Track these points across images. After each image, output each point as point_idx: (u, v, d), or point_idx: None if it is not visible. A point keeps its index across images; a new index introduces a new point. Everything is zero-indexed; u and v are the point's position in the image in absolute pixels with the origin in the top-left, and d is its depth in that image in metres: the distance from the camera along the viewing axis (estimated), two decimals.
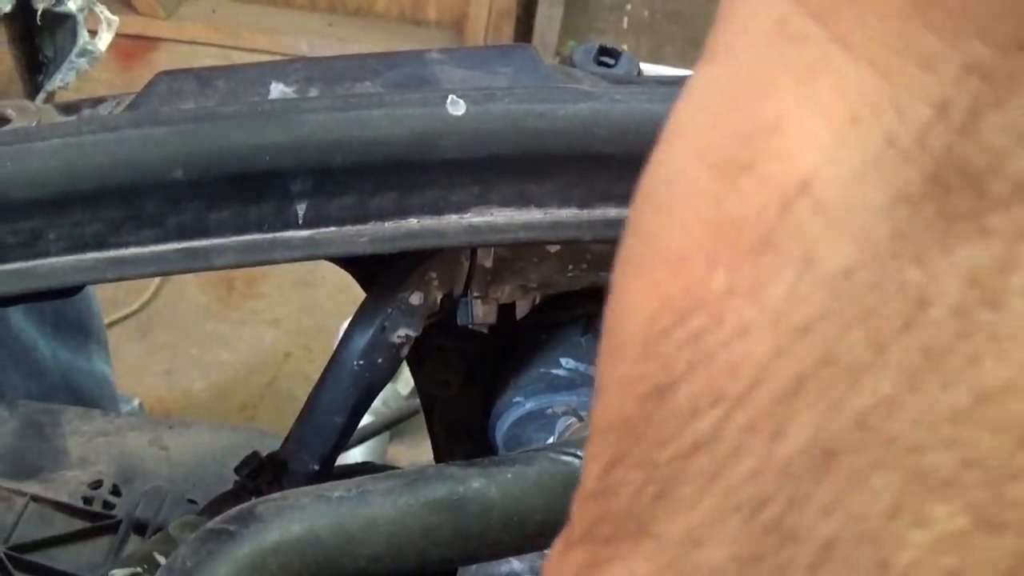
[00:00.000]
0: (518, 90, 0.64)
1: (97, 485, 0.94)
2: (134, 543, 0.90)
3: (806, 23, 0.19)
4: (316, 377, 0.73)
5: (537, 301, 0.78)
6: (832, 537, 0.19)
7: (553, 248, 0.73)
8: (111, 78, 2.67)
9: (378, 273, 0.71)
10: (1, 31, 1.04)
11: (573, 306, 0.79)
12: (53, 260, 0.58)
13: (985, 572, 0.18)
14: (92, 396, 1.53)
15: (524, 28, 3.04)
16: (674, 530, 0.20)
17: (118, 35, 1.08)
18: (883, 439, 0.18)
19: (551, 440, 0.72)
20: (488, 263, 0.72)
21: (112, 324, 2.13)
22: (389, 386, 0.72)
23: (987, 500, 0.18)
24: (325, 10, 3.19)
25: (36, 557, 0.88)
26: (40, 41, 1.06)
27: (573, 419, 0.73)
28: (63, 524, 0.91)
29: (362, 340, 0.70)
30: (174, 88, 0.64)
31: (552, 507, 0.58)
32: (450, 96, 0.62)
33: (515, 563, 0.71)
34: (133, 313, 2.26)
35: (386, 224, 0.62)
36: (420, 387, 0.83)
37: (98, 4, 1.06)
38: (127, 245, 0.59)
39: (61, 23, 1.04)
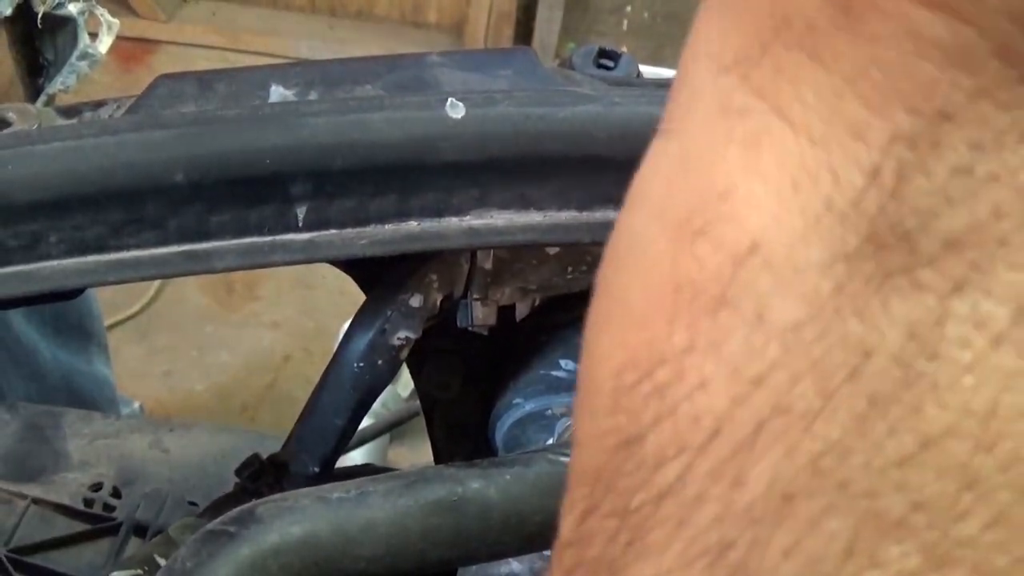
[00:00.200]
0: (518, 93, 0.64)
1: (98, 487, 0.94)
2: (134, 545, 0.90)
3: (748, 98, 0.20)
4: (316, 379, 0.73)
5: (537, 303, 0.78)
6: None
7: (552, 250, 0.73)
8: (111, 81, 2.67)
9: (378, 275, 0.71)
10: (1, 34, 1.04)
11: (572, 308, 0.79)
12: (54, 263, 0.58)
13: None
14: (92, 398, 1.54)
15: (524, 30, 3.04)
16: (645, 575, 0.21)
17: (118, 38, 1.08)
18: (836, 483, 0.19)
19: (551, 441, 0.72)
20: (488, 265, 0.72)
21: (112, 326, 2.13)
22: (389, 388, 0.72)
23: (937, 540, 0.19)
24: (325, 12, 3.20)
25: (37, 559, 0.88)
26: (40, 44, 1.06)
27: (572, 420, 0.73)
28: (64, 526, 0.91)
29: (362, 342, 0.70)
30: (175, 91, 0.64)
31: (551, 508, 0.58)
32: (450, 99, 0.62)
33: (514, 564, 0.71)
34: (133, 315, 2.26)
35: (386, 227, 0.62)
36: (420, 389, 0.83)
37: (98, 7, 1.06)
38: (128, 248, 0.59)
39: (61, 26, 1.04)
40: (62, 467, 0.97)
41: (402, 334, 0.70)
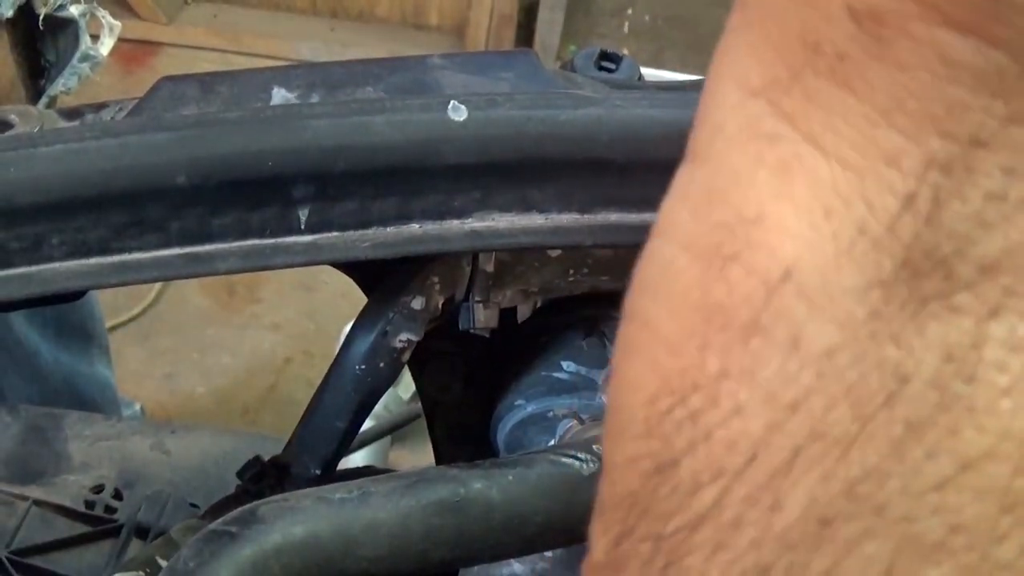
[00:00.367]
0: (519, 95, 0.64)
1: (99, 489, 0.94)
2: (136, 547, 0.90)
3: (778, 124, 0.20)
4: (317, 381, 0.73)
5: (538, 305, 0.78)
6: None
7: (554, 253, 0.73)
8: (113, 83, 2.67)
9: (380, 278, 0.71)
10: (3, 36, 1.04)
11: (574, 310, 0.79)
12: (56, 265, 0.59)
13: None
14: (94, 400, 1.54)
15: (525, 33, 3.04)
16: None
17: (120, 40, 1.09)
18: (873, 507, 0.19)
19: (552, 443, 0.72)
20: (489, 268, 0.72)
21: (114, 328, 2.13)
22: (390, 390, 0.72)
23: (975, 562, 0.19)
24: (327, 15, 3.20)
25: (38, 561, 0.88)
26: (42, 46, 1.06)
27: (574, 422, 0.73)
28: (65, 528, 0.91)
29: (364, 344, 0.70)
30: (176, 93, 0.64)
31: (553, 509, 0.58)
32: (452, 102, 0.62)
33: (516, 565, 0.71)
34: (134, 318, 2.27)
35: (388, 229, 0.63)
36: (422, 391, 0.83)
37: (100, 9, 1.06)
38: (130, 250, 0.59)
39: (63, 28, 1.04)
40: (63, 469, 0.97)
41: (404, 336, 0.70)
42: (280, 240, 0.61)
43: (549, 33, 2.97)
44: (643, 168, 0.63)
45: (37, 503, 0.92)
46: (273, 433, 1.17)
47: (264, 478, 0.72)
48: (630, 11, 3.05)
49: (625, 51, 0.76)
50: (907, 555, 0.19)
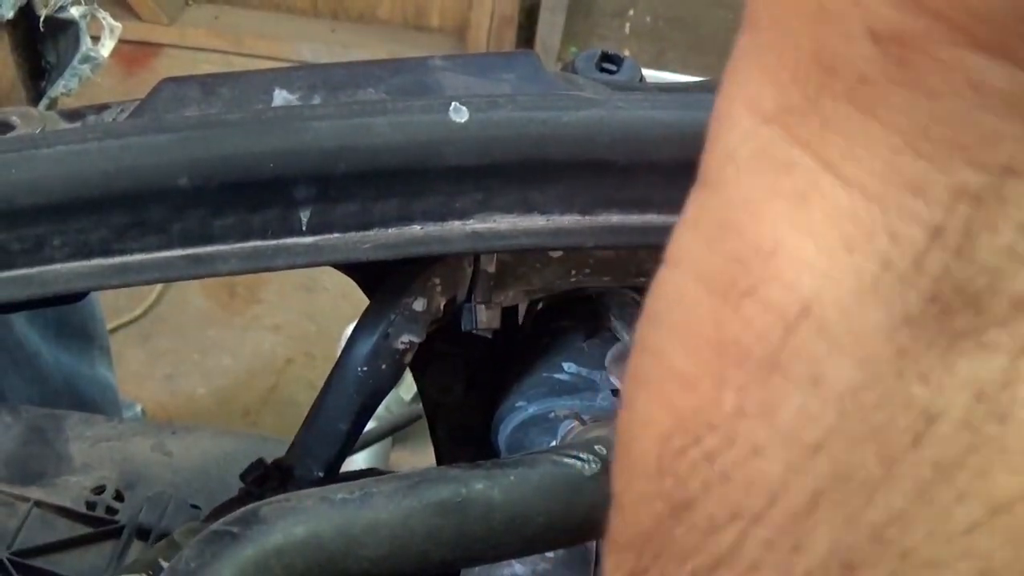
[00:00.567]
0: (521, 97, 0.64)
1: (100, 490, 0.94)
2: (137, 549, 0.90)
3: (793, 151, 0.19)
4: (318, 383, 0.73)
5: (540, 306, 0.78)
6: None
7: (556, 254, 0.73)
8: (114, 84, 2.67)
9: (381, 279, 0.72)
10: (3, 37, 1.04)
11: (575, 311, 0.79)
12: (57, 266, 0.59)
13: None
14: (95, 401, 1.54)
15: (526, 34, 3.04)
16: None
17: (121, 41, 1.09)
18: (899, 552, 0.19)
19: (553, 444, 0.72)
20: (491, 269, 0.72)
21: (115, 330, 2.13)
22: (392, 391, 0.72)
23: None
24: (328, 16, 3.20)
25: (39, 562, 0.88)
26: (43, 47, 1.06)
27: (575, 423, 0.73)
28: (66, 529, 0.91)
29: (366, 346, 0.70)
30: (178, 95, 0.64)
31: (554, 510, 0.58)
32: (453, 103, 0.62)
33: (517, 565, 0.71)
34: (135, 319, 2.27)
35: (389, 230, 0.63)
36: (423, 392, 0.83)
37: (100, 10, 1.06)
38: (131, 252, 0.59)
39: (63, 29, 1.04)
40: (64, 470, 0.97)
41: (405, 338, 0.70)
42: (281, 241, 0.61)
43: (550, 34, 2.97)
44: (644, 170, 0.63)
45: (38, 504, 0.92)
46: (273, 434, 1.17)
47: (267, 480, 0.72)
48: (631, 12, 3.05)
49: (626, 52, 0.76)
50: None
